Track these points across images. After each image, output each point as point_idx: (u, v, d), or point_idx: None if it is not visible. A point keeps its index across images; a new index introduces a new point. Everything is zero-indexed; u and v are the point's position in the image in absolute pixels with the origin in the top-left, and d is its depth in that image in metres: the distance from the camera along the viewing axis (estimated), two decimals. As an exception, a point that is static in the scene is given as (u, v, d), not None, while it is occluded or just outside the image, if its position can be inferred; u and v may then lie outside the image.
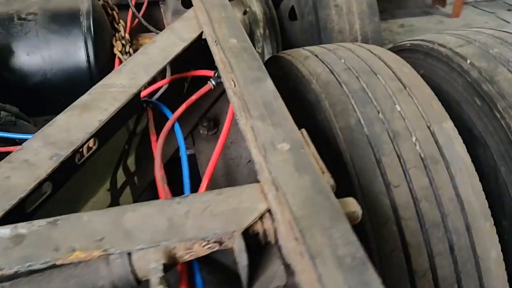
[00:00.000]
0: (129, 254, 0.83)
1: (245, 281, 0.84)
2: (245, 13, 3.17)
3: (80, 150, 1.17)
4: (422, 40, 1.77)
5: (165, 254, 0.83)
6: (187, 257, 0.86)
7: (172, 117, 1.29)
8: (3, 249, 0.78)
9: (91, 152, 1.27)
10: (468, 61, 1.52)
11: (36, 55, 1.85)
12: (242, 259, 0.81)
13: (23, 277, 0.83)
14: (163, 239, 0.81)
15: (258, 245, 0.87)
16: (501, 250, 1.36)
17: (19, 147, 1.03)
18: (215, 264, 0.97)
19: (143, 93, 1.48)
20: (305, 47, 1.73)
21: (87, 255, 0.77)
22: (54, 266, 0.77)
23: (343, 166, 1.25)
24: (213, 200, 0.87)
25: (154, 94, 1.49)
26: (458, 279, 1.17)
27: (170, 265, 0.85)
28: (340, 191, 0.93)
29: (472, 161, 1.42)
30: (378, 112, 1.33)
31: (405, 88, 1.40)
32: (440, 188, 1.22)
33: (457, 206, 1.21)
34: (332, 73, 1.45)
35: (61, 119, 1.09)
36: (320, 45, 1.73)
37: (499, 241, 1.37)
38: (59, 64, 1.86)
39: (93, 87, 1.21)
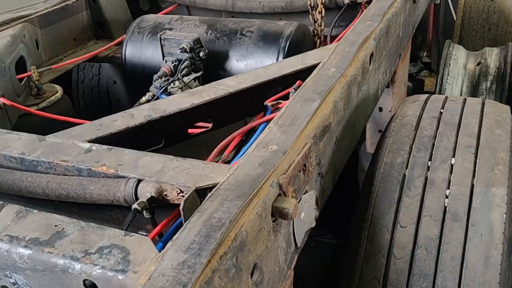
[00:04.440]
0: (139, 182, 1.24)
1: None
2: (478, 64, 3.11)
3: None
4: None
5: (156, 190, 1.21)
6: (171, 199, 1.22)
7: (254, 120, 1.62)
8: (77, 153, 1.30)
9: (203, 130, 1.72)
10: None
11: (241, 62, 2.41)
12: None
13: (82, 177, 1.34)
14: (147, 176, 1.18)
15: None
16: None
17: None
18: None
19: (270, 100, 1.85)
20: (438, 95, 1.77)
21: (107, 169, 1.22)
22: (90, 170, 1.25)
23: (368, 195, 1.35)
24: (196, 165, 1.20)
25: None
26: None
27: (158, 200, 1.21)
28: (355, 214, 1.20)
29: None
30: (429, 159, 1.36)
31: (477, 147, 1.36)
32: (447, 243, 1.21)
33: (456, 268, 1.18)
34: (419, 117, 1.51)
35: (172, 97, 1.57)
36: (452, 95, 1.74)
37: None
38: (254, 72, 2.37)
39: (211, 82, 1.65)
